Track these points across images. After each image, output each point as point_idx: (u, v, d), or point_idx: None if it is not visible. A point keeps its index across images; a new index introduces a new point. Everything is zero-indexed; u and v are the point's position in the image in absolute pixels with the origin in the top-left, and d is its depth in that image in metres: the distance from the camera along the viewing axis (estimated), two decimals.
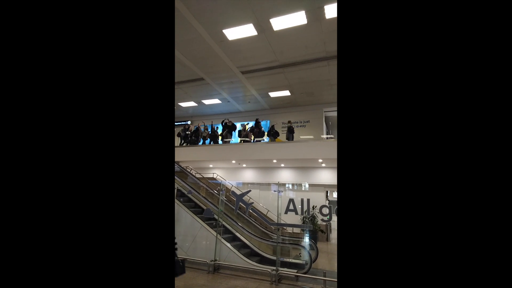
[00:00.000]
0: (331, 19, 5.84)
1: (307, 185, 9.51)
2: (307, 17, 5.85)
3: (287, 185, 7.60)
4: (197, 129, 10.68)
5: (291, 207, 4.68)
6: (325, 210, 4.49)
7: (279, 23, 6.07)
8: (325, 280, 4.10)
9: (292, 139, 9.24)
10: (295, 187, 9.02)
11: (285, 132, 9.71)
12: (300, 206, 4.73)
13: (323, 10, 5.59)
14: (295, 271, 4.48)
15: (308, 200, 4.72)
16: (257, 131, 9.60)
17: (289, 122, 9.73)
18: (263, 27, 6.27)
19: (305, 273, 4.50)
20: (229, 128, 10.04)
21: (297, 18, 5.90)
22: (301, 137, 10.17)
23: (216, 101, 11.15)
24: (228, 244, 5.06)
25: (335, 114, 11.18)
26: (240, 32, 6.50)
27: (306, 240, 5.51)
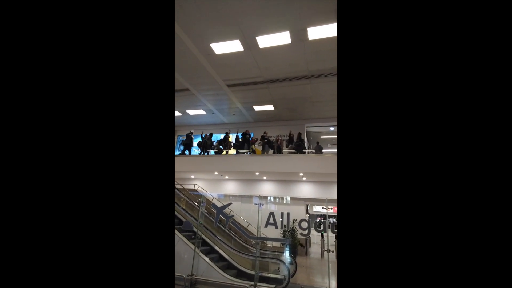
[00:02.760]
0: (314, 41, 6.18)
1: (288, 199, 9.58)
2: (291, 37, 6.14)
3: (269, 198, 7.61)
4: (210, 136, 10.41)
5: (271, 220, 4.70)
6: (304, 224, 4.56)
7: (265, 41, 6.32)
8: None
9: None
10: (277, 200, 9.05)
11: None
12: (280, 220, 4.75)
13: (306, 31, 5.91)
14: (273, 286, 4.46)
15: (288, 214, 4.77)
16: (294, 146, 9.11)
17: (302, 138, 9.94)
18: (249, 44, 6.49)
19: None
20: (246, 141, 9.80)
21: (282, 38, 6.18)
22: (284, 150, 10.36)
23: (201, 111, 11.15)
24: (207, 258, 4.96)
25: (316, 129, 11.53)
26: (227, 47, 6.67)
27: (286, 254, 5.52)
